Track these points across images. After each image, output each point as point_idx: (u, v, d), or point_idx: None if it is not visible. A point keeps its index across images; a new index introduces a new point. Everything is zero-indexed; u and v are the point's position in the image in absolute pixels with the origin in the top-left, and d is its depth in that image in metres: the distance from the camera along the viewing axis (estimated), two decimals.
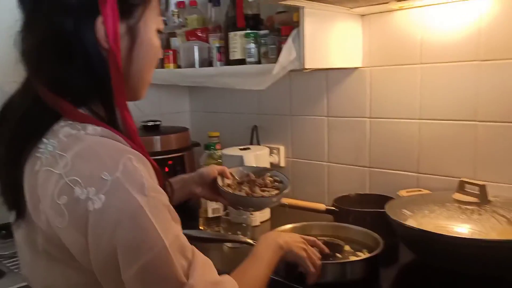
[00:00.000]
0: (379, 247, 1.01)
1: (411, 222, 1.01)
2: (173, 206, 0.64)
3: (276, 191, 1.10)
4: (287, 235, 0.95)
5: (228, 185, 1.10)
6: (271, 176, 1.15)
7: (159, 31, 0.73)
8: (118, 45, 0.64)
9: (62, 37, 0.62)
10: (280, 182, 1.14)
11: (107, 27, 0.63)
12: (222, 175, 1.10)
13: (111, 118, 0.66)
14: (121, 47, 0.65)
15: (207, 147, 1.37)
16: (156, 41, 0.72)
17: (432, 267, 1.03)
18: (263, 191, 1.11)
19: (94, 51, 0.63)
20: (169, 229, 0.60)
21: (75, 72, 0.63)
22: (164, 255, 0.58)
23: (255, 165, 1.27)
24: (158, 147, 1.55)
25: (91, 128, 0.62)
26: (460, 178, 1.18)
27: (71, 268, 0.62)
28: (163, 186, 0.65)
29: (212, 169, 1.09)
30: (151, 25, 0.70)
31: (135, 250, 0.57)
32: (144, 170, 0.60)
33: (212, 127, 1.91)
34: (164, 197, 0.62)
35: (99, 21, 0.63)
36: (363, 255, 1.05)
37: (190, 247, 0.63)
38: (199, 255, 0.64)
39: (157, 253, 0.57)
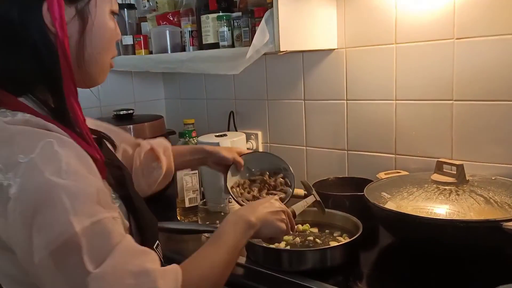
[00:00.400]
0: (358, 231, 1.00)
1: (390, 205, 1.00)
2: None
3: (282, 196, 1.10)
4: (263, 207, 0.85)
5: (240, 185, 1.14)
6: (283, 177, 1.16)
7: (113, 13, 0.70)
8: (65, 31, 0.62)
9: (8, 26, 0.60)
10: (290, 185, 1.14)
11: (52, 13, 0.61)
12: (236, 164, 1.11)
13: (59, 106, 0.63)
14: (71, 32, 0.64)
15: (182, 135, 1.33)
16: (110, 23, 0.69)
17: (412, 249, 1.02)
18: (269, 194, 1.11)
19: (41, 38, 0.61)
20: (87, 214, 0.57)
21: (22, 60, 0.61)
22: (73, 242, 0.55)
23: (274, 154, 1.26)
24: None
25: (20, 115, 0.61)
26: (438, 158, 1.18)
27: (3, 257, 0.61)
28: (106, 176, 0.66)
29: (231, 155, 1.10)
30: (103, 6, 0.67)
31: (46, 234, 0.55)
32: (68, 156, 0.58)
33: (188, 114, 1.87)
34: (89, 184, 0.59)
35: (45, 7, 0.61)
36: (343, 240, 1.04)
37: (117, 234, 0.59)
38: (129, 243, 0.61)
39: (67, 239, 0.55)
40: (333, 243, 1.02)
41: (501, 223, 0.86)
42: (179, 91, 1.95)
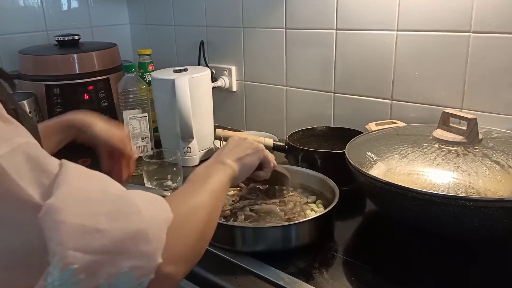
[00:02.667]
0: (334, 200, 0.77)
1: (376, 170, 0.77)
2: None
3: None
4: (237, 148, 0.74)
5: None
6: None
7: None
8: None
9: None
10: None
11: None
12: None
13: None
14: None
15: (128, 68, 1.07)
16: None
17: (402, 227, 0.80)
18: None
19: None
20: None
21: None
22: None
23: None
24: (75, 69, 1.24)
25: None
26: (444, 107, 0.92)
27: None
28: None
29: (110, 137, 0.85)
30: None
31: None
32: None
33: (155, 43, 1.60)
34: None
35: None
36: (314, 209, 0.82)
37: (54, 161, 0.43)
38: (74, 168, 0.43)
39: None
40: (303, 213, 0.80)
41: None
42: (144, 15, 1.65)
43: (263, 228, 0.74)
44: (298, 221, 0.75)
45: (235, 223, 0.77)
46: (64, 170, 0.42)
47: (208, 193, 0.60)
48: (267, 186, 0.86)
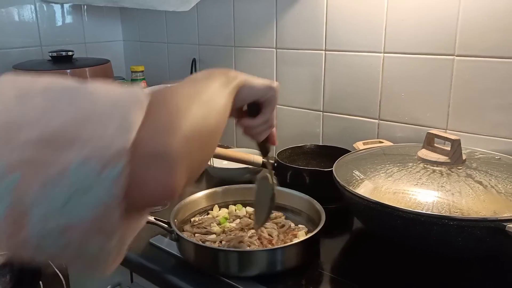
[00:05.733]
0: (320, 223, 0.78)
1: (363, 188, 0.78)
2: None
3: None
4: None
5: None
6: None
7: None
8: None
9: None
10: None
11: None
12: None
13: None
14: None
15: None
16: None
17: (386, 242, 0.82)
18: None
19: None
20: None
21: None
22: None
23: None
24: None
25: None
26: (429, 127, 0.95)
27: None
28: None
29: None
30: None
31: None
32: None
33: (148, 60, 1.62)
34: None
35: None
36: (301, 233, 0.83)
37: None
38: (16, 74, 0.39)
39: None
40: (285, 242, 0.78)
41: (505, 223, 0.65)
42: (138, 32, 1.67)
43: (248, 252, 0.73)
44: (284, 245, 0.74)
45: (219, 247, 0.77)
46: (5, 75, 0.37)
47: (211, 109, 0.47)
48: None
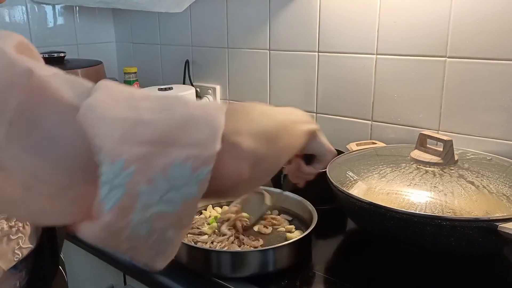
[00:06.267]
0: (312, 223, 0.78)
1: (357, 189, 0.78)
2: None
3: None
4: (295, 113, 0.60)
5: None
6: None
7: None
8: None
9: None
10: None
11: None
12: None
13: None
14: None
15: None
16: None
17: (380, 242, 0.82)
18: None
19: None
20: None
21: None
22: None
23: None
24: None
25: None
26: (422, 128, 0.96)
27: None
28: None
29: None
30: None
31: None
32: None
33: (141, 62, 1.61)
34: None
35: None
36: (293, 233, 0.83)
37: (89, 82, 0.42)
38: (113, 82, 0.42)
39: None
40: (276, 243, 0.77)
41: (496, 223, 0.65)
42: (131, 34, 1.66)
43: (240, 252, 0.73)
44: (276, 245, 0.74)
45: (212, 248, 0.76)
46: (102, 82, 0.41)
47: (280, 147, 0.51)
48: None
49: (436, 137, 0.84)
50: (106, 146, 0.36)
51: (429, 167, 0.80)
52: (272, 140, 0.48)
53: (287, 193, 0.90)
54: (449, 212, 0.69)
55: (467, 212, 0.69)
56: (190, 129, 0.39)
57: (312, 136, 0.61)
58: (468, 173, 0.78)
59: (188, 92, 1.16)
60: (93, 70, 1.33)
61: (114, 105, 0.37)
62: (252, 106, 0.50)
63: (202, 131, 0.39)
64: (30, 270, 0.58)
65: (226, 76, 1.38)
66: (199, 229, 0.83)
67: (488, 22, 0.90)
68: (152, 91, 1.16)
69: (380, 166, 0.83)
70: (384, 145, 1.03)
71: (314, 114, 1.21)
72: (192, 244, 0.76)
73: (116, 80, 1.36)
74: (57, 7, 1.54)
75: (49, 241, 0.61)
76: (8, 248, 0.54)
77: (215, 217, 0.87)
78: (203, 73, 1.45)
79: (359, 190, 0.78)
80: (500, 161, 0.86)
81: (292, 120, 0.55)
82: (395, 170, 0.81)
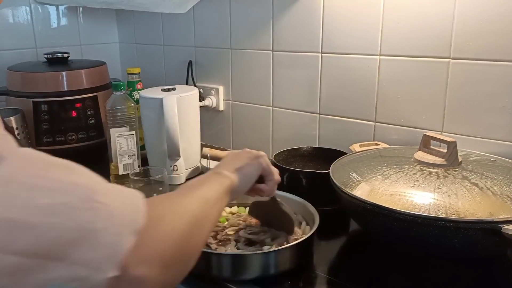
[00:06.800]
0: (314, 225, 0.78)
1: (360, 190, 0.78)
2: None
3: None
4: (235, 158, 0.72)
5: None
6: None
7: None
8: None
9: None
10: None
11: None
12: None
13: None
14: None
15: (117, 87, 1.08)
16: None
17: (383, 244, 0.82)
18: None
19: None
20: None
21: None
22: None
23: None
24: (63, 86, 1.25)
25: None
26: (425, 129, 0.96)
27: None
28: None
29: None
30: None
31: None
32: None
33: (144, 63, 1.62)
34: None
35: None
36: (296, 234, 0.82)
37: (8, 145, 0.37)
38: (32, 153, 0.37)
39: None
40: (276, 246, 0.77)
41: (500, 225, 0.65)
42: (134, 35, 1.67)
43: (241, 255, 0.73)
44: (278, 248, 0.74)
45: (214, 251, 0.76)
46: (15, 153, 0.34)
47: (196, 198, 0.55)
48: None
49: (440, 139, 0.84)
50: None
51: (433, 169, 0.80)
52: (184, 248, 0.47)
53: (289, 195, 0.90)
54: (453, 214, 0.69)
55: (471, 214, 0.69)
56: (85, 244, 0.33)
57: (233, 190, 0.65)
58: (472, 174, 0.78)
59: (192, 92, 1.16)
60: (96, 70, 1.33)
61: (5, 199, 0.31)
62: (168, 213, 0.46)
63: (99, 250, 0.33)
64: None
65: (229, 77, 1.38)
66: None
67: (492, 23, 0.89)
68: (156, 91, 1.16)
69: (384, 167, 0.83)
70: (387, 146, 1.03)
71: (317, 115, 1.21)
72: None
73: (120, 81, 1.37)
74: (61, 7, 1.54)
75: None
76: None
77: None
78: (206, 73, 1.45)
79: (363, 191, 0.78)
80: (504, 163, 0.85)
81: (208, 200, 0.57)
82: (398, 172, 0.81)
